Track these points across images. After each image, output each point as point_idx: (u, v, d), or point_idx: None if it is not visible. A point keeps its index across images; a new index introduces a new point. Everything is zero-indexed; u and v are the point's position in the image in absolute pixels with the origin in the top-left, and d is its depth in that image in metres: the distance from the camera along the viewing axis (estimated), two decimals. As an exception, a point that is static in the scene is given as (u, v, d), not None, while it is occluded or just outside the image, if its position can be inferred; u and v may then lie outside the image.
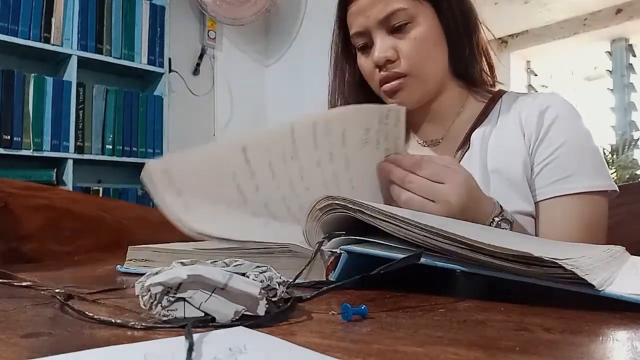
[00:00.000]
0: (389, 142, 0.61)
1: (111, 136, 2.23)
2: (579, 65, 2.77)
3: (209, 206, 0.50)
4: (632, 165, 2.43)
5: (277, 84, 2.90)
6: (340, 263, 0.43)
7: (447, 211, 0.55)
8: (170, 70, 2.45)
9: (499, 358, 0.24)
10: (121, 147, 2.26)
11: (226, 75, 2.79)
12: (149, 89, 2.46)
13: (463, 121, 0.82)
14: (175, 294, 0.30)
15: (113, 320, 0.31)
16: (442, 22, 0.76)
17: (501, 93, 0.83)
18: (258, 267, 0.34)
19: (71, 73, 2.13)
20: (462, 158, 0.78)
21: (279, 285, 0.33)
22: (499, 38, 2.58)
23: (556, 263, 0.33)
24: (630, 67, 2.51)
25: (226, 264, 0.34)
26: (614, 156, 2.44)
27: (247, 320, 0.30)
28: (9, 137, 1.97)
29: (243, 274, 0.32)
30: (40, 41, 2.05)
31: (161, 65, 2.39)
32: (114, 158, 2.24)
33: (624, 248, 0.52)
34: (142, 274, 0.32)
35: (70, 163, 2.10)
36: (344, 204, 0.44)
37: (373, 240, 0.43)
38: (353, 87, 0.85)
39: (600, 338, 0.28)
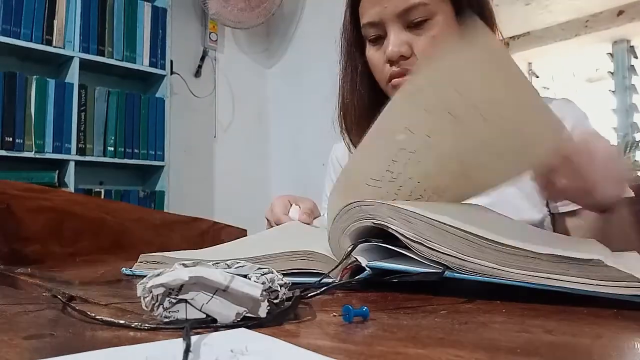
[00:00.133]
0: None
1: (113, 138, 2.23)
2: (581, 66, 2.76)
3: None
4: (634, 167, 2.42)
5: (279, 86, 2.90)
6: (361, 275, 0.42)
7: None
8: (172, 72, 2.45)
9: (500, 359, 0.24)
10: (123, 149, 2.26)
11: (227, 77, 2.80)
12: (151, 90, 2.46)
13: None
14: (176, 295, 0.30)
15: (115, 322, 0.31)
16: (459, 22, 0.74)
17: None
18: (259, 268, 0.34)
19: (73, 75, 2.13)
20: None
21: (280, 287, 0.33)
22: (501, 40, 2.57)
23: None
24: (632, 68, 2.50)
25: (228, 265, 0.34)
26: (616, 158, 2.43)
27: (249, 322, 0.30)
28: (11, 139, 1.98)
29: (244, 276, 0.32)
30: (42, 43, 2.06)
31: (163, 67, 2.40)
32: (116, 160, 2.24)
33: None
34: (145, 276, 0.32)
35: (72, 165, 2.10)
36: (372, 213, 0.43)
37: (396, 248, 0.42)
38: (366, 76, 0.81)
39: (602, 339, 0.28)
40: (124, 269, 0.57)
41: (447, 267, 0.39)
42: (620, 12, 2.38)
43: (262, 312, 0.31)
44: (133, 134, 2.29)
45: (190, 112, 2.62)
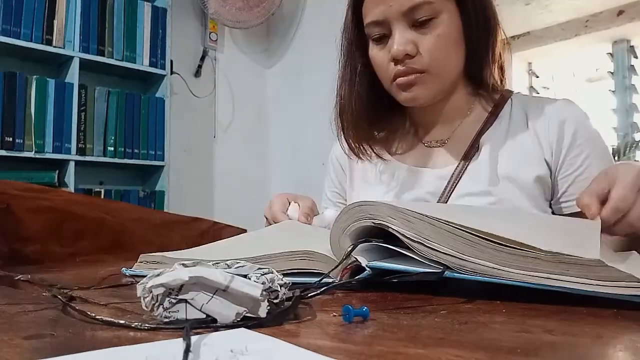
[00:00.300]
0: None
1: (113, 138, 2.23)
2: (581, 66, 2.76)
3: None
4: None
5: (279, 86, 2.90)
6: (361, 275, 0.42)
7: None
8: (171, 72, 2.45)
9: (500, 360, 0.24)
10: (123, 149, 2.26)
11: (227, 77, 2.80)
12: (151, 90, 2.46)
13: (470, 123, 0.81)
14: (176, 295, 0.30)
15: (115, 322, 0.31)
16: (463, 21, 0.74)
17: (509, 93, 0.82)
18: (259, 268, 0.34)
19: (73, 75, 2.13)
20: (468, 164, 0.76)
21: (280, 287, 0.33)
22: (503, 39, 2.58)
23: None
24: (632, 68, 2.50)
25: (228, 265, 0.34)
26: (616, 158, 2.43)
27: (249, 322, 0.30)
28: (11, 139, 1.98)
29: (244, 276, 0.32)
30: (42, 43, 2.06)
31: (163, 67, 2.40)
32: (116, 160, 2.24)
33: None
34: (145, 276, 0.32)
35: (72, 165, 2.10)
36: (373, 213, 0.43)
37: (397, 248, 0.42)
38: (365, 76, 0.81)
39: (602, 339, 0.28)
40: (124, 269, 0.57)
41: (447, 267, 0.39)
42: (620, 12, 2.38)
43: (262, 312, 0.31)
44: (133, 134, 2.29)
45: (190, 112, 2.62)
